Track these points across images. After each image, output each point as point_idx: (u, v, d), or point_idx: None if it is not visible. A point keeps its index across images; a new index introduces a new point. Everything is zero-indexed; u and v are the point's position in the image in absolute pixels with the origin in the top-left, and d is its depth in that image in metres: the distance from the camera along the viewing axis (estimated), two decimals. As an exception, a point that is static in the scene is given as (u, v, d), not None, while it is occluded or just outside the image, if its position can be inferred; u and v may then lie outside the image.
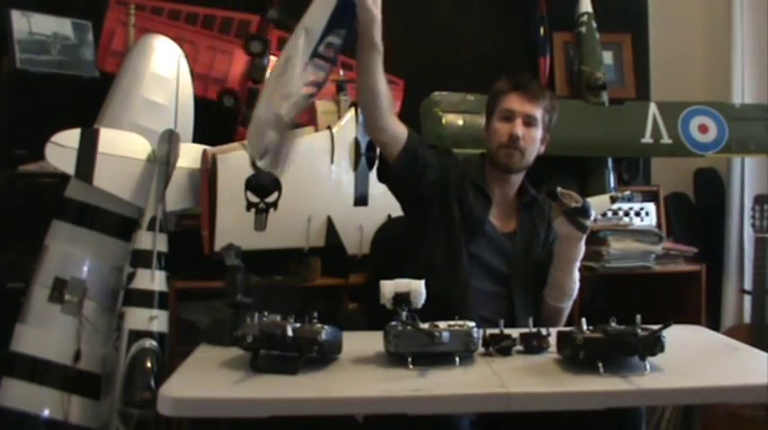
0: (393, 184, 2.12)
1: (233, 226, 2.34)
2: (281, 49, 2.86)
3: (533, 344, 1.66)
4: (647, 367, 1.48)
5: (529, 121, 2.08)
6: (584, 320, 1.55)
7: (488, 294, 2.07)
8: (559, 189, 1.96)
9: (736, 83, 3.18)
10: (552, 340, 1.65)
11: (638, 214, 2.98)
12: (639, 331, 1.49)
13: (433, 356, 1.53)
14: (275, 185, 2.37)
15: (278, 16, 2.71)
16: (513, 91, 2.10)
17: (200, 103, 2.58)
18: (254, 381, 1.46)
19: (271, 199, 2.39)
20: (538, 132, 2.10)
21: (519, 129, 2.06)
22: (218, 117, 2.81)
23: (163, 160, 2.32)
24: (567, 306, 2.11)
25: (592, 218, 1.97)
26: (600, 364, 1.47)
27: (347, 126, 2.52)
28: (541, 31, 3.15)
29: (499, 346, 1.64)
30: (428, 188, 2.09)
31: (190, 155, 2.38)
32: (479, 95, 2.74)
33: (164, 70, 2.45)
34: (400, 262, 2.11)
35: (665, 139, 2.94)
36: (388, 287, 1.64)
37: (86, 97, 2.61)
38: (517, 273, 2.10)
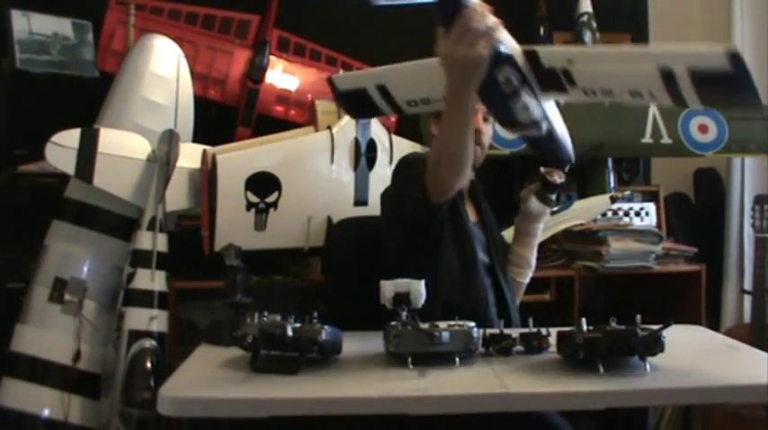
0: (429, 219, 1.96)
1: (233, 226, 2.33)
2: (280, 49, 2.89)
3: (533, 344, 1.67)
4: (647, 367, 1.48)
5: (486, 117, 2.06)
6: (584, 320, 1.55)
7: (489, 288, 2.07)
8: (542, 168, 2.08)
9: (736, 83, 3.18)
10: (552, 340, 1.65)
11: (638, 214, 2.98)
12: (639, 331, 1.49)
13: (433, 356, 1.53)
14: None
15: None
16: None
17: (200, 103, 2.58)
18: (254, 381, 1.46)
19: (271, 199, 2.40)
20: (491, 129, 2.12)
21: (481, 125, 2.03)
22: (218, 117, 2.81)
23: (163, 160, 2.32)
24: (527, 281, 2.22)
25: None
26: (600, 364, 1.47)
27: (347, 126, 2.52)
28: (541, 31, 3.15)
29: (499, 346, 1.64)
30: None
31: (190, 155, 2.38)
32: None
33: (164, 70, 2.44)
34: (373, 264, 2.01)
35: (665, 139, 2.94)
36: (388, 287, 1.64)
37: (86, 97, 2.61)
38: (496, 259, 2.12)
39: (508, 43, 1.55)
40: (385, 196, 2.11)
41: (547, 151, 1.77)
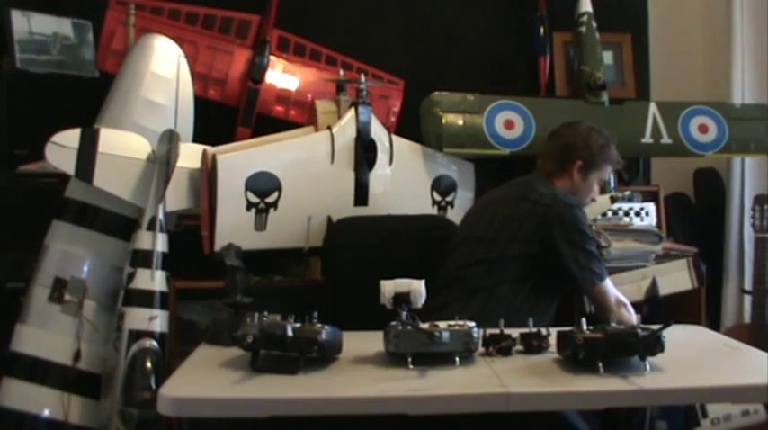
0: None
1: (233, 226, 2.34)
2: (280, 49, 2.89)
3: (533, 344, 1.67)
4: (647, 367, 1.48)
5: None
6: (584, 320, 1.55)
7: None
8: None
9: (736, 83, 3.17)
10: (552, 340, 1.65)
11: (638, 214, 2.97)
12: (639, 331, 1.49)
13: (433, 356, 1.53)
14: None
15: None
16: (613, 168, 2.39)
17: (200, 103, 2.58)
18: (254, 381, 1.46)
19: (271, 199, 2.40)
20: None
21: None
22: (218, 117, 2.81)
23: (163, 160, 2.32)
24: None
25: None
26: (600, 364, 1.47)
27: (347, 126, 2.52)
28: (541, 31, 3.15)
29: (499, 346, 1.64)
30: None
31: (190, 155, 2.38)
32: (479, 95, 2.75)
33: (164, 70, 2.44)
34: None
35: (665, 139, 2.94)
36: (389, 287, 1.64)
37: (86, 97, 2.61)
38: None
39: None
40: (538, 215, 2.13)
41: None
